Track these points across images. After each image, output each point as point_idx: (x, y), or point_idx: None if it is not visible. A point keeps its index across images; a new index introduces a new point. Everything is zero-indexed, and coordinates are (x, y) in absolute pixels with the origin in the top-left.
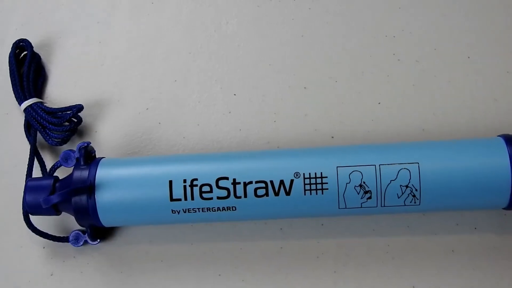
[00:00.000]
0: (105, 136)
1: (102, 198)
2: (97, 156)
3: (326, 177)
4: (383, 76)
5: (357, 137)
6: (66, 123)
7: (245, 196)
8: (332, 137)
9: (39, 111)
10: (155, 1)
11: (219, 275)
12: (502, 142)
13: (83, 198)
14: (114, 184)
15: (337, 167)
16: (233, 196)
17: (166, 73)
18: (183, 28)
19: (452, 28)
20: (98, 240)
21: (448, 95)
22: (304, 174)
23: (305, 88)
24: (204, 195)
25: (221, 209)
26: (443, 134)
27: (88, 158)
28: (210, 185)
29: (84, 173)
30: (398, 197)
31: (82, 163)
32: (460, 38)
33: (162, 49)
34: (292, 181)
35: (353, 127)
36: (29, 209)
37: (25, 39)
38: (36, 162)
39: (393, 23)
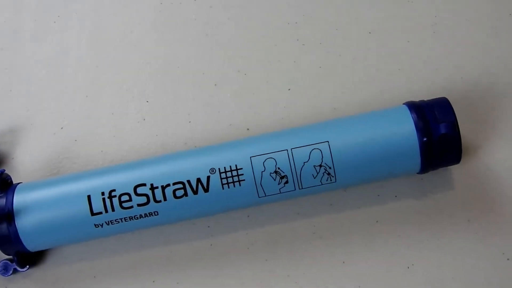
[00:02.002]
0: (22, 161)
1: (23, 223)
2: (14, 182)
3: (241, 168)
4: (290, 62)
5: (272, 125)
6: None
7: (165, 199)
8: (248, 129)
9: None
10: (57, 20)
11: (153, 281)
12: (406, 109)
13: (3, 227)
14: (33, 207)
15: (250, 157)
16: (153, 201)
17: (76, 90)
18: (88, 43)
19: (350, 7)
20: (27, 267)
21: (354, 71)
22: (219, 169)
23: (215, 85)
24: (124, 204)
25: (143, 216)
26: (353, 110)
27: (4, 185)
28: (128, 194)
29: (1, 201)
30: (314, 177)
31: None
32: (359, 15)
33: (69, 66)
34: (208, 177)
35: (267, 116)
36: None
37: None
38: None
39: (294, 10)
